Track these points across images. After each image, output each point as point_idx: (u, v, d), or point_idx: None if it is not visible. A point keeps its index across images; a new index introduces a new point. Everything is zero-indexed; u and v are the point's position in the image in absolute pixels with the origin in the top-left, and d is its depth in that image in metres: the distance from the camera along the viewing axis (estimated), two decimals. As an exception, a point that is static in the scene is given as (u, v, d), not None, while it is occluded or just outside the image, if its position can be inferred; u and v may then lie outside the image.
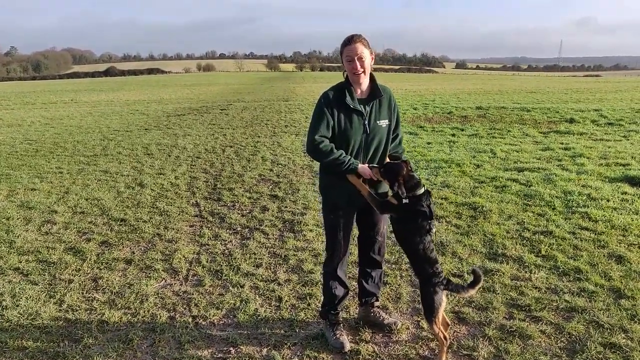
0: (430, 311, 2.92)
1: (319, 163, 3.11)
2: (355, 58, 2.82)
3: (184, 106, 20.91)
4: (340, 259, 3.20)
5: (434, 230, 2.94)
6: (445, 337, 2.96)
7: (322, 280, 3.39)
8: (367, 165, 2.94)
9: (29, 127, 14.84)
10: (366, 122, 2.93)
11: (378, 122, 2.97)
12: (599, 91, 27.44)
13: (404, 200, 2.84)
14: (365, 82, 2.94)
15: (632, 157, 8.47)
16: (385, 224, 3.30)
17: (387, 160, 3.12)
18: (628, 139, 10.57)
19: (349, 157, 2.90)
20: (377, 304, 3.43)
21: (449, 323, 3.25)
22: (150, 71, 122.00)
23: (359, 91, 2.96)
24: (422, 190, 2.86)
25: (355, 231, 3.29)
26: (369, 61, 2.88)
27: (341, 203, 3.08)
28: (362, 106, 2.93)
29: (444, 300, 2.95)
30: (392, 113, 3.05)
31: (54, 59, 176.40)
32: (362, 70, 2.85)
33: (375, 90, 2.97)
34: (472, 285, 2.99)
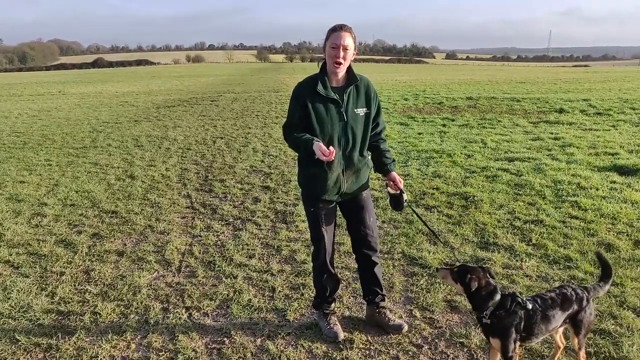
0: None
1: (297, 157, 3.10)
2: (341, 46, 2.78)
3: (174, 98, 20.73)
4: (326, 251, 3.14)
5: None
6: None
7: (312, 272, 3.38)
8: None
9: (16, 119, 14.64)
10: (343, 110, 2.89)
11: (356, 110, 2.93)
12: (587, 81, 27.62)
13: (484, 320, 2.50)
14: (342, 72, 2.90)
15: (621, 147, 8.56)
16: (372, 216, 3.21)
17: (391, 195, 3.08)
18: (616, 129, 10.66)
19: (307, 135, 2.83)
20: (382, 303, 3.33)
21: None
22: (139, 62, 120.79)
23: (334, 81, 2.92)
24: (497, 298, 2.51)
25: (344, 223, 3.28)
26: (351, 54, 2.84)
27: (321, 195, 3.03)
28: (337, 95, 2.89)
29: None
30: (371, 101, 3.00)
31: (40, 50, 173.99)
32: (343, 59, 2.81)
33: (351, 77, 2.94)
34: (606, 275, 2.69)
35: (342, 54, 2.79)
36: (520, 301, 2.49)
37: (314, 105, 2.86)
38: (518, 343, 2.49)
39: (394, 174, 3.09)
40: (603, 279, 2.70)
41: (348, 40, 2.80)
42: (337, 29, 2.81)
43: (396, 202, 3.10)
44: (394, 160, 3.16)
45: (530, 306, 2.48)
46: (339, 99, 2.88)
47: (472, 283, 2.49)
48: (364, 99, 2.97)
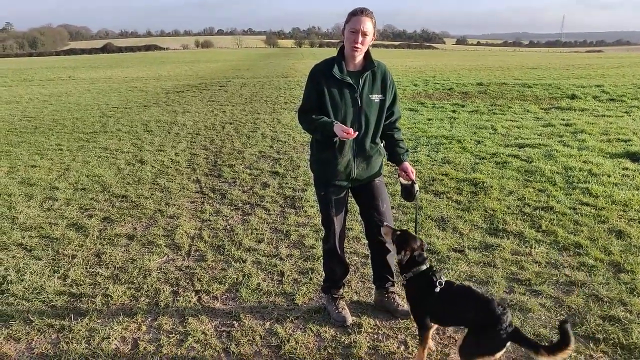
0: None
1: (309, 141, 3.08)
2: (360, 31, 2.74)
3: (183, 83, 20.73)
4: (336, 235, 3.14)
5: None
6: None
7: (322, 256, 3.39)
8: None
9: (27, 104, 14.73)
10: (357, 95, 2.86)
11: (371, 96, 2.89)
12: (600, 67, 27.19)
13: (403, 282, 2.77)
14: (359, 57, 2.86)
15: (634, 133, 8.45)
16: (386, 202, 3.18)
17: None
18: (630, 115, 10.51)
19: (324, 117, 2.82)
20: (392, 289, 3.34)
21: None
22: (148, 48, 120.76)
23: (351, 65, 2.88)
24: (422, 269, 2.69)
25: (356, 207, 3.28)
26: (370, 39, 2.80)
27: (332, 180, 3.03)
28: (353, 79, 2.86)
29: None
30: (387, 89, 2.95)
31: (50, 35, 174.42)
32: (362, 45, 2.77)
33: (368, 63, 2.89)
34: (555, 349, 2.16)
35: (360, 39, 2.75)
36: (435, 278, 2.61)
37: (329, 89, 2.83)
38: (429, 319, 2.62)
39: (406, 164, 3.04)
40: (559, 344, 2.17)
41: (368, 25, 2.76)
42: (357, 13, 2.76)
43: (407, 192, 3.07)
44: (407, 151, 3.12)
45: (440, 284, 2.59)
46: (355, 83, 2.85)
47: (404, 256, 2.71)
48: (380, 86, 2.93)
